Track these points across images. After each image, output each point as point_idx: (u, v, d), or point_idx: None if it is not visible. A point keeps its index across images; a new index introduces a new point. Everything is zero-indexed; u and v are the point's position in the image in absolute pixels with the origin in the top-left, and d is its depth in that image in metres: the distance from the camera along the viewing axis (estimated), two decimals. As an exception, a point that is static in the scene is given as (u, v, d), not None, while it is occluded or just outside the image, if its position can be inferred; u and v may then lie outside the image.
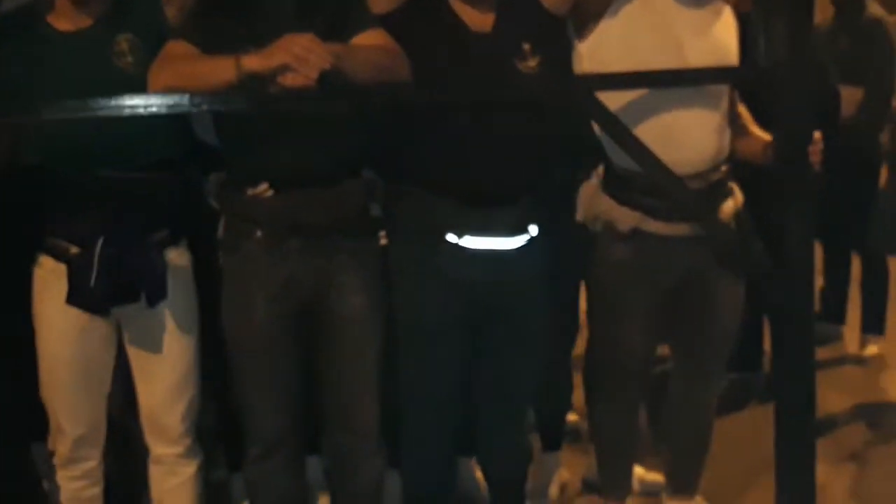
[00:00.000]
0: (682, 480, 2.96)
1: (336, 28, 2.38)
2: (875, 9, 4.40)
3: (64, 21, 2.41)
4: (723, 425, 3.18)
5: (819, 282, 4.62)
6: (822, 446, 2.91)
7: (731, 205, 2.68)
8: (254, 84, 2.19)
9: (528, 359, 2.74)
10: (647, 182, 2.53)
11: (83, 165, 2.38)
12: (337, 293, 2.52)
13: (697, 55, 2.55)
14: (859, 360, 4.55)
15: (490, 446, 2.86)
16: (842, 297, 4.71)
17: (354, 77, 2.26)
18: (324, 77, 2.18)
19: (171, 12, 2.44)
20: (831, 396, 3.86)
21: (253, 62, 2.17)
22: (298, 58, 2.15)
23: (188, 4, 2.42)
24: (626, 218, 2.63)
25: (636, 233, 2.63)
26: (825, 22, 4.36)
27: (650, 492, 3.18)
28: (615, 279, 2.69)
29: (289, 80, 2.16)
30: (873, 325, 4.58)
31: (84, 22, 2.41)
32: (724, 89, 2.64)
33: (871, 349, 4.58)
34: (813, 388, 2.52)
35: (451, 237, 2.55)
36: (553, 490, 3.29)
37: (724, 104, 2.64)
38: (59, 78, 2.36)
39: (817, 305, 4.58)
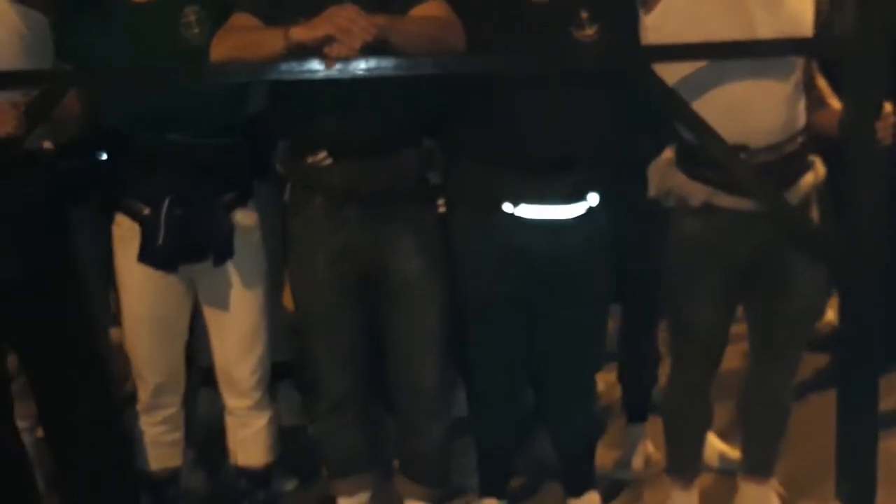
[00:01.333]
0: (757, 462, 2.88)
1: (393, 2, 2.41)
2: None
3: None
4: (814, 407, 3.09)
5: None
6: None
7: (811, 178, 2.58)
8: (302, 54, 2.25)
9: (590, 327, 2.75)
10: (712, 154, 2.47)
11: (154, 130, 2.51)
12: (395, 258, 2.59)
13: (767, 27, 2.44)
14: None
15: (557, 415, 2.89)
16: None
17: (403, 48, 2.29)
18: (370, 49, 2.23)
19: None
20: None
21: (299, 33, 2.23)
22: (342, 29, 2.20)
23: None
24: (697, 192, 2.57)
25: (707, 207, 2.57)
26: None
27: (728, 469, 3.11)
28: (687, 253, 2.64)
29: (334, 50, 2.21)
30: None
31: None
32: (796, 61, 2.53)
33: None
34: (877, 372, 2.43)
35: (507, 206, 2.57)
36: (637, 462, 3.26)
37: (797, 76, 2.53)
38: (130, 47, 2.48)
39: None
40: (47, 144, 2.51)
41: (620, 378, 3.37)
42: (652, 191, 2.67)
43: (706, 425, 2.94)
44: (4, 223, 2.44)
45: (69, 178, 2.63)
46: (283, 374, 3.33)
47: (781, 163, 2.51)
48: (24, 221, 2.47)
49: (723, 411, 3.05)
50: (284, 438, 3.00)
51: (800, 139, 2.57)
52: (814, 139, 2.60)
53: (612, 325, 3.36)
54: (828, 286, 2.90)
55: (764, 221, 2.54)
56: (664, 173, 2.63)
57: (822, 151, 2.66)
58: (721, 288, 2.64)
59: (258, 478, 2.90)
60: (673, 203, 2.64)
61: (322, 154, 2.52)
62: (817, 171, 2.62)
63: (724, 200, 2.55)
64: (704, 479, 3.02)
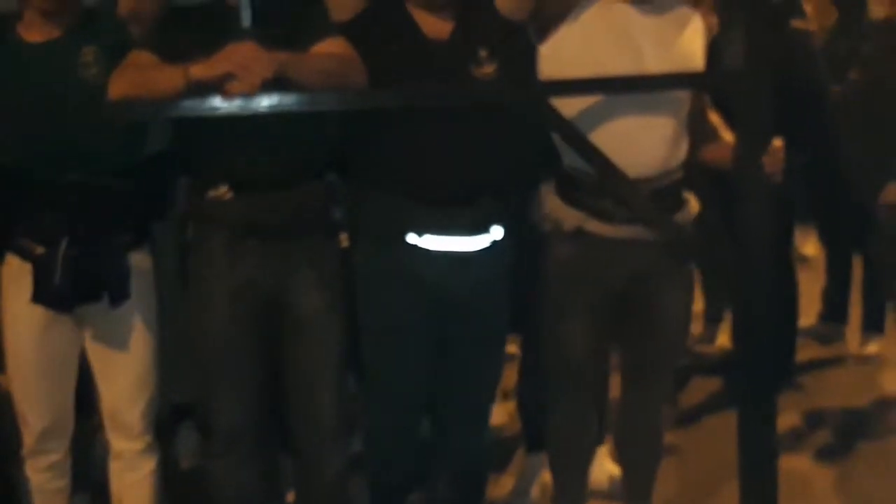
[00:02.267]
0: (635, 488, 2.93)
1: (294, 37, 2.42)
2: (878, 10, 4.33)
3: (33, 32, 2.49)
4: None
5: (821, 282, 4.59)
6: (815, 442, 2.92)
7: (684, 215, 2.68)
8: (202, 92, 2.23)
9: (488, 358, 2.79)
10: (593, 183, 2.55)
11: (51, 169, 2.46)
12: (295, 292, 2.57)
13: (656, 62, 2.54)
14: (861, 360, 4.49)
15: (449, 444, 2.89)
16: (844, 297, 4.66)
17: (303, 84, 2.30)
18: (270, 85, 2.22)
19: (135, 29, 2.50)
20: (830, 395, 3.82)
21: (198, 70, 2.22)
22: (241, 66, 2.20)
23: (150, 20, 2.49)
24: (570, 218, 2.64)
25: (580, 233, 2.64)
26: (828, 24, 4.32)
27: (617, 494, 3.16)
28: (559, 278, 2.70)
29: (234, 87, 2.20)
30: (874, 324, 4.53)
31: (52, 34, 2.49)
32: (684, 97, 2.64)
33: (872, 348, 4.53)
34: (773, 390, 2.51)
35: (411, 238, 2.58)
36: (535, 491, 3.30)
37: (683, 112, 2.64)
38: (27, 86, 2.44)
39: (819, 306, 4.57)
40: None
41: (519, 408, 3.41)
42: (533, 215, 2.73)
43: (588, 452, 2.97)
44: None
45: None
46: (183, 414, 3.28)
47: (654, 196, 2.58)
48: None
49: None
50: (183, 480, 2.93)
51: (675, 175, 2.66)
52: (693, 174, 2.70)
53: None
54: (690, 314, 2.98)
55: (636, 250, 2.62)
56: (545, 198, 2.69)
57: (715, 182, 2.77)
58: (593, 313, 2.70)
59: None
60: (549, 228, 2.70)
61: (223, 188, 2.49)
62: (690, 207, 2.72)
63: (596, 227, 2.62)
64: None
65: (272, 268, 2.54)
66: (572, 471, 2.92)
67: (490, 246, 2.65)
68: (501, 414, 3.84)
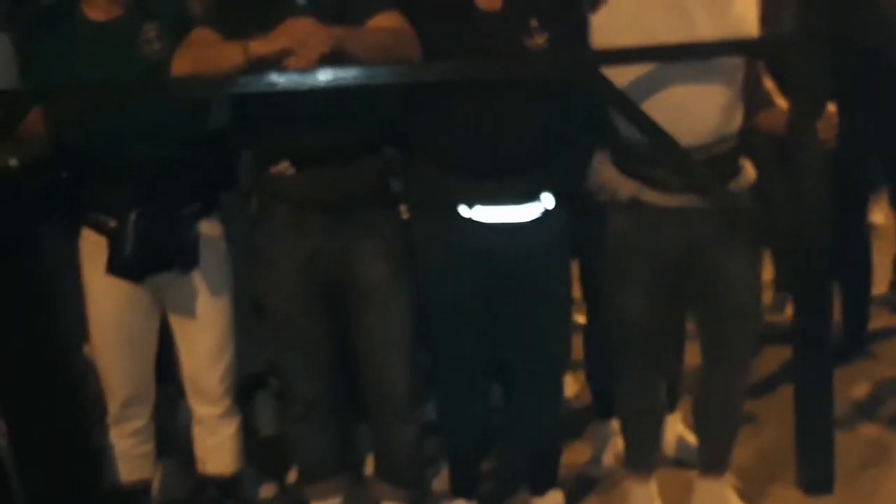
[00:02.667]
0: (711, 459, 2.93)
1: (350, 12, 2.48)
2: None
3: (97, 11, 2.59)
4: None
5: (893, 250, 4.47)
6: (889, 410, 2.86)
7: (740, 181, 2.67)
8: (261, 68, 2.31)
9: (551, 326, 2.82)
10: (648, 152, 2.56)
11: (116, 144, 2.55)
12: (360, 264, 2.65)
13: (709, 29, 2.54)
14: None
15: (521, 414, 2.94)
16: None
17: (359, 58, 2.36)
18: (327, 60, 2.29)
19: (195, 6, 2.59)
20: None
21: (257, 47, 2.30)
22: (299, 41, 2.27)
23: None
24: (626, 187, 2.65)
25: (635, 203, 2.65)
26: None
27: (686, 459, 3.17)
28: (616, 247, 2.72)
29: (292, 62, 2.28)
30: None
31: (115, 12, 2.58)
32: (738, 64, 2.62)
33: None
34: (829, 364, 2.50)
35: (463, 209, 2.64)
36: (607, 458, 3.32)
37: (738, 80, 2.62)
38: (92, 64, 2.53)
39: (891, 274, 4.44)
40: (13, 162, 2.55)
41: (588, 376, 3.45)
42: (588, 185, 2.75)
43: (658, 418, 3.00)
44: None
45: (35, 196, 2.67)
46: (260, 383, 3.40)
47: (708, 164, 2.58)
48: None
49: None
50: (263, 446, 3.04)
51: (731, 143, 2.65)
52: (749, 141, 2.68)
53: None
54: (761, 284, 2.95)
55: (692, 218, 2.62)
56: (599, 168, 2.71)
57: (772, 150, 2.75)
58: (651, 282, 2.70)
59: (226, 486, 2.94)
60: (605, 198, 2.72)
61: (284, 164, 2.57)
62: (746, 174, 2.71)
63: (652, 196, 2.63)
64: (663, 474, 3.07)
65: (336, 240, 2.63)
66: (643, 437, 2.94)
67: (542, 215, 2.69)
68: (572, 384, 3.89)
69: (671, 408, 3.28)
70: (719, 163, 2.62)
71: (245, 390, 3.42)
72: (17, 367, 2.62)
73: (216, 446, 2.88)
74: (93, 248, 2.65)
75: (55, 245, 2.73)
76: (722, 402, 2.86)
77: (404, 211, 2.77)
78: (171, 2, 2.61)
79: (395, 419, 2.80)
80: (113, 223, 2.58)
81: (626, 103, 2.48)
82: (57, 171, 2.70)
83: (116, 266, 2.58)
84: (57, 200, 2.72)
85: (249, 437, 3.26)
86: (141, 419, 2.84)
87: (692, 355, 3.01)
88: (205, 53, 2.41)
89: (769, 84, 2.73)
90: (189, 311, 2.73)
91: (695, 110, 2.57)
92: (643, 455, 2.95)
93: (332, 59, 2.32)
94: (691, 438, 3.21)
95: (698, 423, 2.99)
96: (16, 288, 2.58)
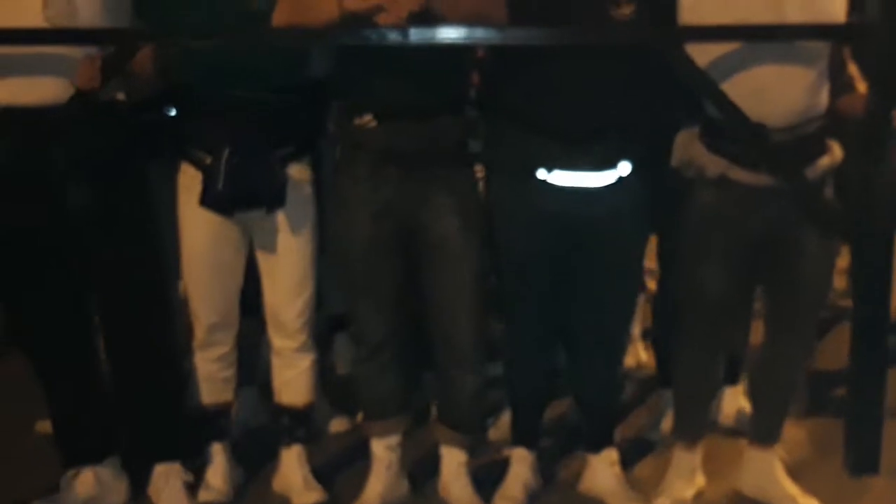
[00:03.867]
0: (763, 428, 2.99)
1: None
2: None
3: None
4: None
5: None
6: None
7: (827, 161, 2.69)
8: (355, 22, 2.44)
9: (619, 289, 2.90)
10: (733, 131, 2.60)
11: (219, 85, 2.70)
12: (432, 216, 2.77)
13: (797, 15, 2.56)
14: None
15: (582, 372, 3.04)
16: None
17: (447, 17, 2.46)
18: (417, 18, 2.40)
19: None
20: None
21: (351, 2, 2.43)
22: (390, 0, 2.38)
23: None
24: (714, 164, 2.70)
25: (723, 180, 2.69)
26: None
27: (741, 430, 3.23)
28: (701, 222, 2.77)
29: (382, 18, 2.40)
30: None
31: None
32: (823, 48, 2.64)
33: None
34: (884, 351, 2.52)
35: (541, 172, 2.72)
36: (665, 424, 3.38)
37: (822, 63, 2.64)
38: (201, 8, 2.67)
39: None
40: (120, 96, 2.73)
41: (654, 345, 3.52)
42: (674, 161, 2.80)
43: (713, 392, 3.06)
44: (83, 162, 2.67)
45: (141, 131, 2.85)
46: (341, 325, 3.56)
47: (797, 144, 2.62)
48: (102, 163, 2.70)
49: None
50: (339, 384, 3.19)
51: (818, 123, 2.68)
52: (836, 123, 2.70)
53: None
54: (833, 265, 2.96)
55: (777, 198, 2.66)
56: (687, 145, 2.76)
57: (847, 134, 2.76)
58: (732, 259, 2.76)
59: (299, 416, 3.08)
60: (692, 174, 2.77)
61: (368, 116, 2.70)
62: (833, 154, 2.72)
63: (739, 174, 2.68)
64: (716, 441, 3.15)
65: (411, 192, 2.75)
66: (695, 407, 3.01)
67: (617, 181, 2.75)
68: (639, 351, 3.96)
69: (734, 381, 3.33)
70: (805, 143, 2.65)
71: (326, 330, 3.62)
72: (119, 285, 2.82)
73: (291, 378, 3.04)
74: (190, 183, 2.82)
75: (158, 179, 2.91)
76: (780, 373, 2.92)
77: (479, 171, 2.86)
78: None
79: (460, 367, 2.92)
80: (208, 159, 2.74)
81: (706, 81, 2.53)
82: (162, 108, 2.88)
83: (208, 199, 2.75)
84: (161, 136, 2.90)
85: (327, 375, 3.45)
86: (225, 345, 3.01)
87: (756, 333, 3.06)
88: (303, 6, 2.54)
89: (853, 69, 2.74)
90: (273, 248, 2.88)
91: (779, 91, 2.60)
92: (692, 424, 3.02)
93: (422, 17, 2.42)
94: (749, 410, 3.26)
95: (753, 393, 3.05)
96: (122, 216, 2.77)
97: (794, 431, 3.09)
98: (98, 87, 2.54)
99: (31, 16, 2.57)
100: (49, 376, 2.93)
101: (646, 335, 3.88)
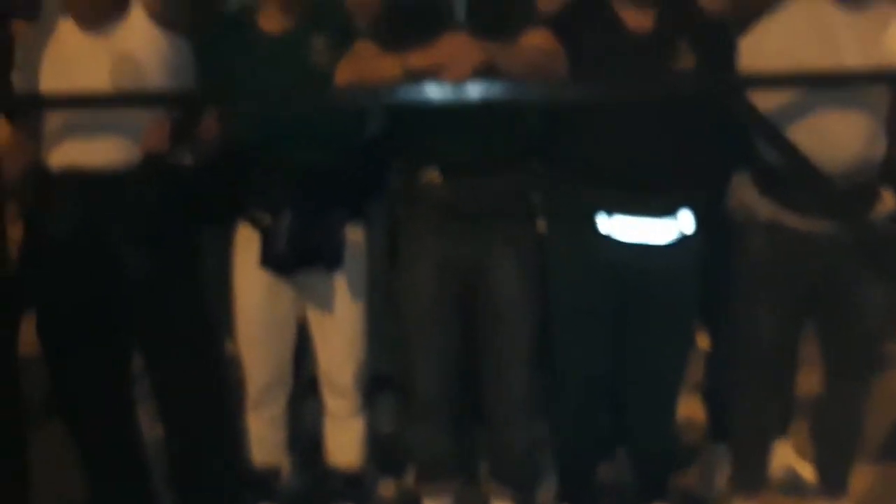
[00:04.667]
0: (830, 480, 2.95)
1: (504, 28, 2.60)
2: None
3: (271, 22, 2.76)
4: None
5: None
6: None
7: (879, 209, 2.70)
8: (417, 79, 2.45)
9: (674, 344, 2.87)
10: (789, 176, 2.61)
11: (280, 147, 2.72)
12: (494, 272, 2.76)
13: (857, 60, 2.58)
14: None
15: (635, 427, 3.00)
16: None
17: (509, 73, 2.47)
18: (480, 74, 2.42)
19: (361, 20, 2.74)
20: None
21: (413, 60, 2.44)
22: (452, 57, 2.40)
23: (376, 13, 2.72)
24: (765, 209, 2.71)
25: (775, 225, 2.70)
26: None
27: (794, 487, 3.19)
28: (752, 269, 2.76)
29: (444, 76, 2.41)
30: None
31: (288, 24, 2.75)
32: (883, 94, 2.65)
33: None
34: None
35: (600, 223, 2.72)
36: (718, 480, 3.32)
37: (882, 109, 2.66)
38: (264, 72, 2.71)
39: None
40: (187, 160, 2.73)
41: (705, 398, 3.49)
42: (729, 205, 2.80)
43: (769, 441, 3.03)
44: (143, 228, 2.67)
45: (204, 193, 2.86)
46: (384, 385, 3.53)
47: (856, 190, 2.63)
48: (160, 227, 2.70)
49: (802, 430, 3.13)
50: (384, 444, 3.17)
51: (873, 172, 2.69)
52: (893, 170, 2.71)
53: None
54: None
55: (830, 243, 2.66)
56: (740, 189, 2.76)
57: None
58: (785, 305, 2.75)
59: (351, 478, 3.06)
60: (742, 218, 2.77)
61: (432, 172, 2.71)
62: (885, 203, 2.73)
63: (791, 219, 2.68)
64: (771, 499, 3.09)
65: (474, 248, 2.75)
66: (753, 458, 2.98)
67: (678, 236, 2.74)
68: (690, 405, 3.91)
69: (782, 432, 3.30)
70: (861, 191, 2.66)
71: (370, 390, 3.59)
72: (170, 349, 2.80)
73: (345, 440, 3.01)
74: (247, 243, 2.82)
75: (213, 238, 2.91)
76: (842, 420, 2.89)
77: (541, 224, 2.87)
78: (340, 16, 2.77)
79: (512, 422, 2.89)
80: (268, 220, 2.75)
81: (769, 127, 2.54)
82: (224, 170, 2.89)
83: (269, 259, 2.75)
84: (220, 196, 2.91)
85: (370, 435, 3.41)
86: (277, 406, 2.99)
87: (806, 380, 3.03)
88: (365, 65, 2.56)
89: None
90: (327, 309, 2.88)
91: (838, 138, 2.62)
92: (751, 475, 2.98)
93: (484, 73, 2.43)
94: (801, 468, 3.23)
95: (817, 442, 3.01)
96: (175, 279, 2.76)
97: (863, 479, 3.04)
98: (166, 151, 2.55)
99: (99, 80, 2.60)
100: (89, 445, 2.89)
101: (697, 388, 3.84)
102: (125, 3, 2.67)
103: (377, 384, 3.57)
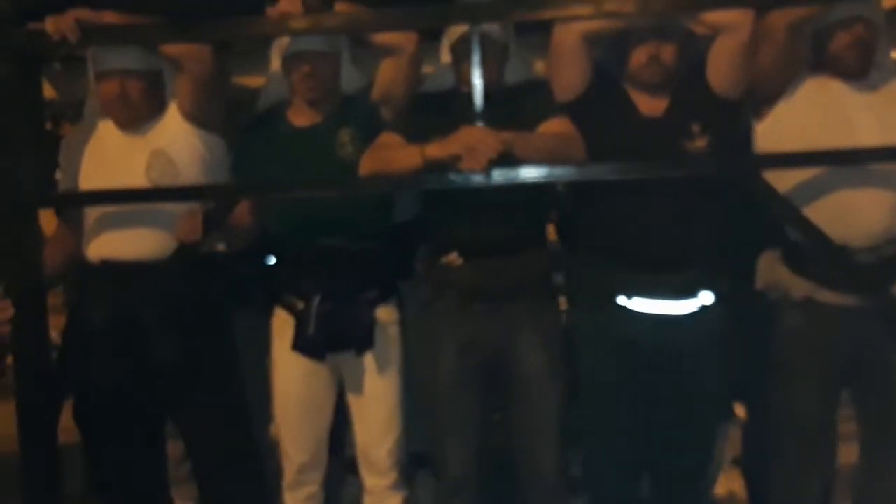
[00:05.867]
0: None
1: (524, 118, 2.71)
2: None
3: (300, 117, 2.90)
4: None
5: None
6: None
7: None
8: (437, 169, 2.55)
9: (701, 420, 2.88)
10: (814, 253, 2.63)
11: (310, 234, 2.83)
12: (518, 352, 2.81)
13: (872, 138, 2.62)
14: None
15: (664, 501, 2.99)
16: None
17: (526, 160, 2.56)
18: (498, 161, 2.50)
19: (387, 113, 2.86)
20: None
21: (434, 151, 2.55)
22: (470, 147, 2.50)
23: (401, 106, 2.84)
24: (799, 287, 2.73)
25: (810, 302, 2.71)
26: None
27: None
28: (789, 346, 2.77)
29: (464, 165, 2.51)
30: None
31: (316, 118, 2.89)
32: None
33: None
34: None
35: (621, 300, 2.76)
36: (761, 556, 3.32)
37: None
38: (293, 165, 2.84)
39: None
40: (221, 248, 2.86)
41: (744, 474, 3.45)
42: (759, 283, 2.82)
43: None
44: (177, 316, 2.77)
45: (237, 279, 2.98)
46: (422, 463, 3.58)
47: (881, 263, 2.64)
48: (194, 315, 2.80)
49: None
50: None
51: None
52: None
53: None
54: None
55: (865, 318, 2.66)
56: (771, 268, 2.78)
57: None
58: (822, 381, 2.74)
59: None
60: (777, 297, 2.78)
61: (454, 254, 2.79)
62: None
63: (826, 296, 2.69)
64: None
65: (497, 328, 2.80)
66: None
67: (699, 310, 2.77)
68: (729, 481, 3.87)
69: None
70: (890, 264, 2.67)
71: (408, 469, 3.64)
72: (207, 434, 2.89)
73: None
74: (283, 326, 2.91)
75: (251, 324, 3.02)
76: (884, 497, 2.84)
77: (563, 303, 2.91)
78: (366, 109, 2.88)
79: (545, 500, 2.91)
80: (300, 304, 2.84)
81: (787, 206, 2.57)
82: (258, 258, 3.01)
83: (300, 344, 2.84)
84: (255, 283, 3.02)
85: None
86: (314, 485, 3.04)
87: (847, 454, 3.00)
88: (388, 154, 2.68)
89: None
90: (362, 389, 2.95)
91: (861, 212, 2.64)
92: None
93: (504, 159, 2.52)
94: None
95: None
96: (210, 366, 2.85)
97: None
98: (199, 240, 2.66)
99: (136, 177, 2.75)
100: None
101: (736, 462, 3.81)
102: (161, 104, 2.84)
103: (416, 461, 3.64)
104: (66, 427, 2.90)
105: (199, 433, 2.91)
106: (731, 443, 3.76)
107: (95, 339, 2.78)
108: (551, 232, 3.01)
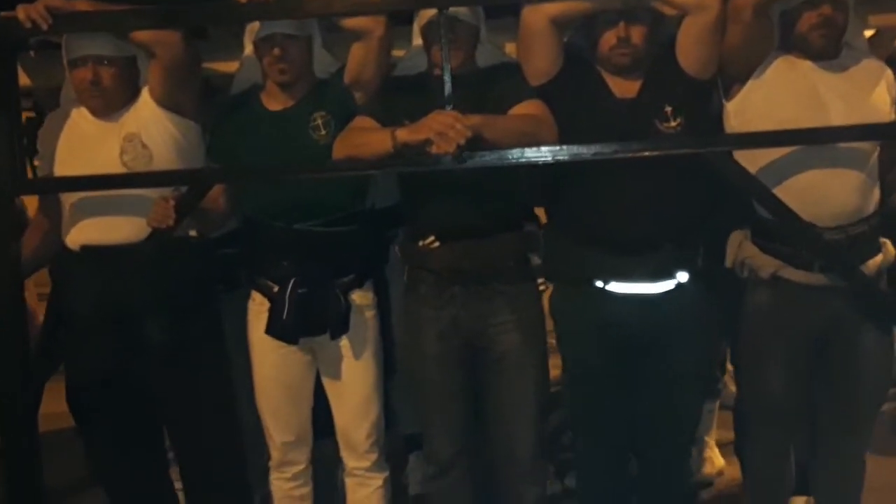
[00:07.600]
0: None
1: (495, 101, 2.72)
2: None
3: (273, 101, 2.91)
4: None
5: None
6: None
7: (879, 259, 2.71)
8: (408, 152, 2.57)
9: (682, 397, 2.89)
10: (783, 232, 2.65)
11: (284, 218, 2.85)
12: (495, 332, 2.83)
13: (842, 118, 2.62)
14: None
15: (649, 485, 3.01)
16: None
17: (496, 143, 2.58)
18: (468, 144, 2.52)
19: (359, 97, 2.87)
20: None
21: (404, 135, 2.56)
22: (439, 133, 2.51)
23: (372, 89, 2.85)
24: (767, 265, 2.74)
25: (777, 280, 2.72)
26: None
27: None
28: (756, 323, 2.79)
29: (434, 149, 2.52)
30: None
31: (288, 102, 2.90)
32: (870, 149, 2.68)
33: None
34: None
35: (598, 282, 2.78)
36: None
37: (871, 162, 2.68)
38: (268, 148, 2.86)
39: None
40: (193, 233, 2.88)
41: (737, 451, 3.47)
42: (728, 261, 2.84)
43: (786, 491, 3.01)
44: (159, 299, 2.81)
45: (218, 265, 3.01)
46: (415, 445, 3.60)
47: (850, 242, 2.65)
48: (177, 298, 2.84)
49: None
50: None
51: (869, 223, 2.71)
52: (889, 221, 2.72)
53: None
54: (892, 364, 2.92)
55: (832, 296, 2.67)
56: (739, 246, 2.80)
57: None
58: (790, 358, 2.76)
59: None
60: (746, 274, 2.80)
61: (430, 238, 2.81)
62: (886, 252, 2.75)
63: (793, 274, 2.70)
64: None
65: (475, 310, 2.82)
66: None
67: (675, 288, 2.79)
68: (715, 458, 3.89)
69: (804, 490, 3.27)
70: (858, 243, 2.68)
71: (401, 450, 3.66)
72: (194, 420, 2.94)
73: (364, 497, 3.08)
74: (259, 309, 2.94)
75: (230, 306, 3.05)
76: (843, 475, 2.88)
77: (542, 284, 2.93)
78: (339, 93, 2.89)
79: (522, 480, 2.94)
80: (275, 289, 2.87)
81: (757, 185, 2.59)
82: (234, 242, 3.02)
83: (274, 329, 2.87)
84: (233, 268, 3.04)
85: (401, 495, 3.47)
86: (300, 464, 3.08)
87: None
88: (360, 138, 2.69)
89: (904, 166, 2.77)
90: (338, 372, 2.97)
91: (830, 192, 2.65)
92: None
93: (474, 143, 2.53)
94: None
95: (818, 495, 2.99)
96: (196, 348, 2.89)
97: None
98: (172, 226, 2.68)
99: (110, 162, 2.77)
100: None
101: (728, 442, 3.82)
102: (134, 90, 2.86)
103: (409, 444, 3.67)
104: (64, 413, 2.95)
105: (181, 414, 2.94)
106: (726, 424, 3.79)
107: (80, 324, 2.81)
108: (540, 214, 3.03)
